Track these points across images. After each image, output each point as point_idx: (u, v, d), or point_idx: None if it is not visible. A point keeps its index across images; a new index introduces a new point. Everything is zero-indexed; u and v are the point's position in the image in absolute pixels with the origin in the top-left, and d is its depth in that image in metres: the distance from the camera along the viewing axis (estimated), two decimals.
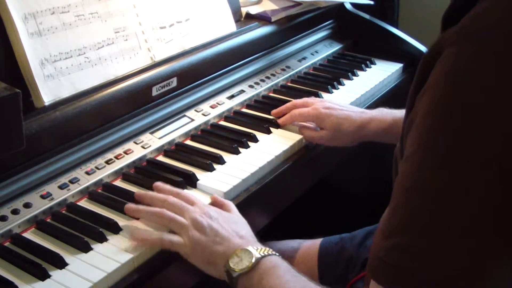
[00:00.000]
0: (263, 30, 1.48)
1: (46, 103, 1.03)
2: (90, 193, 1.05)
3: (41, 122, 1.00)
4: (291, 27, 1.57)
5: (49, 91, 1.04)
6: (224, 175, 1.11)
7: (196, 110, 1.30)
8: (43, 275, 0.86)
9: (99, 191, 1.06)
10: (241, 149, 1.20)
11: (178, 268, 0.97)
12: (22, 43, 1.02)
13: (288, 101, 1.36)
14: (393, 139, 1.01)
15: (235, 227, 0.94)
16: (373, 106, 1.42)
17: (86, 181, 1.05)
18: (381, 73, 1.61)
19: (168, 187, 1.03)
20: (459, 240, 0.60)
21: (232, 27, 1.43)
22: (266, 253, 0.88)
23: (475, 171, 0.59)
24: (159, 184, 1.04)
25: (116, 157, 1.12)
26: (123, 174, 1.11)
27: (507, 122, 0.59)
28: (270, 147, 1.22)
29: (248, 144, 1.22)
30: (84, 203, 1.03)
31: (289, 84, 1.53)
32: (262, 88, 1.45)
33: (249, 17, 1.53)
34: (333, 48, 1.73)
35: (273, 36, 1.52)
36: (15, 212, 0.96)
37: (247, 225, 0.97)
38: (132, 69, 1.18)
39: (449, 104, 0.62)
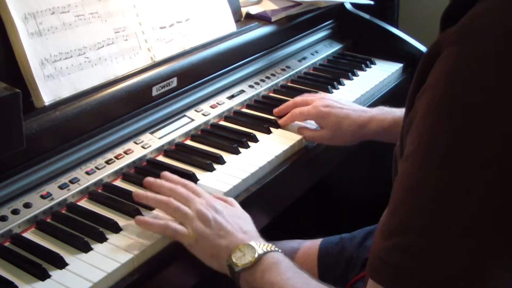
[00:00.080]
0: (263, 30, 1.48)
1: (46, 103, 1.03)
2: (90, 193, 1.05)
3: (41, 122, 1.00)
4: (291, 27, 1.57)
5: (49, 91, 1.04)
6: (224, 175, 1.11)
7: (196, 110, 1.30)
8: (43, 275, 0.86)
9: (99, 191, 1.06)
10: (241, 149, 1.20)
11: (178, 268, 0.97)
12: (22, 43, 1.02)
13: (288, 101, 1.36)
14: (394, 138, 1.01)
15: (239, 222, 0.95)
16: (373, 106, 1.40)
17: (86, 181, 1.05)
18: (381, 73, 1.61)
19: (175, 177, 1.04)
20: (459, 240, 0.60)
21: (232, 27, 1.43)
22: (269, 249, 0.88)
23: (475, 171, 0.59)
24: (166, 173, 1.04)
25: (116, 157, 1.12)
26: (123, 174, 1.11)
27: (507, 122, 0.58)
28: (270, 147, 1.22)
29: (248, 144, 1.22)
30: (84, 203, 1.03)
31: (289, 84, 1.53)
32: (262, 88, 1.45)
33: (249, 17, 1.52)
34: (333, 48, 1.73)
35: (273, 36, 1.52)
36: (15, 212, 0.96)
37: (251, 221, 0.97)
38: (132, 69, 1.18)
39: (449, 104, 0.61)
